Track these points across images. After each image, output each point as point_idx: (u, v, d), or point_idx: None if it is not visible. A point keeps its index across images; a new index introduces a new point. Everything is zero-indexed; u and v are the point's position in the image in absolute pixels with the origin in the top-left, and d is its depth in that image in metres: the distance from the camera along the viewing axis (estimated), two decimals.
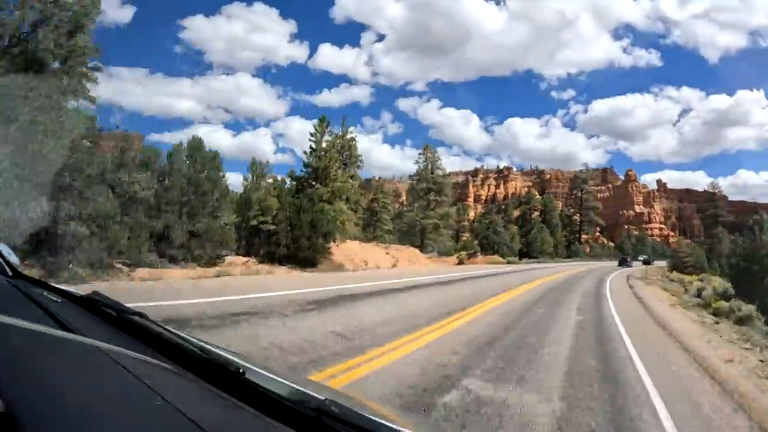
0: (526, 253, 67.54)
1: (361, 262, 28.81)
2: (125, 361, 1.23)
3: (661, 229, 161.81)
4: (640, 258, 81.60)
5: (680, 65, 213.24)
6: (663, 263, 68.91)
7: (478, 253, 59.84)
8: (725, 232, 67.24)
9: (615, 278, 34.57)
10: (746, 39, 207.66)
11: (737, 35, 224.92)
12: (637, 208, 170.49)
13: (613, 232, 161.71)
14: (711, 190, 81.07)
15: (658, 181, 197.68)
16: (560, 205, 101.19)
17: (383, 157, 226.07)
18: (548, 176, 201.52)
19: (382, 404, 2.94)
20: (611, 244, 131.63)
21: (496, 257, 60.47)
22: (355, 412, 1.09)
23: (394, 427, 1.09)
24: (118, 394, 1.09)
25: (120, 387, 1.13)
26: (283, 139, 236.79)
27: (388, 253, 36.62)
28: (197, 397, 1.19)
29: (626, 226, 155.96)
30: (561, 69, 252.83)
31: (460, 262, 47.87)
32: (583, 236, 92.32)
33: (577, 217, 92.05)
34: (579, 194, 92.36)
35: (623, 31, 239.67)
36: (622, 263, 64.62)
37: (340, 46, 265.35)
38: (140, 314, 1.62)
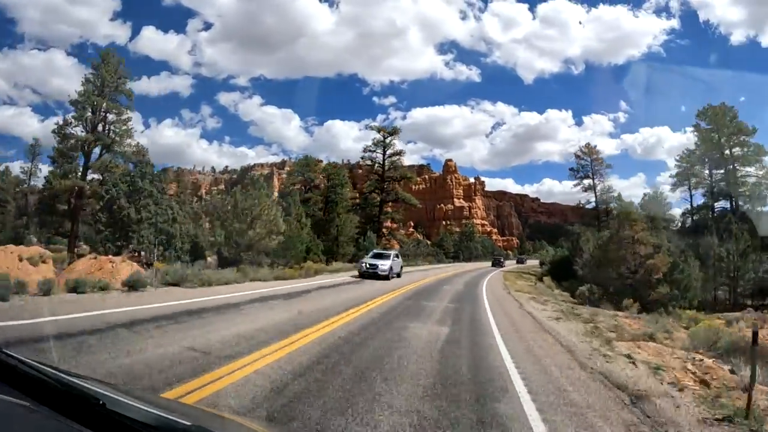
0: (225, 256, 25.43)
1: None
2: None
3: (483, 225, 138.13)
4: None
5: (497, 83, 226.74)
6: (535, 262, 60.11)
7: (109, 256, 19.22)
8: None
9: None
10: (560, 65, 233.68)
11: (553, 61, 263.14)
12: (457, 202, 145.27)
13: (429, 228, 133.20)
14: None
15: (477, 178, 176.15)
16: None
17: (200, 152, 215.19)
18: (361, 171, 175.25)
19: (252, 420, 2.86)
20: (428, 241, 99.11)
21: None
22: None
23: None
24: None
25: None
26: None
27: None
28: None
29: (444, 222, 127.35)
30: (385, 76, 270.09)
31: None
32: (390, 225, 54.04)
33: (376, 195, 53.69)
34: (380, 154, 54.10)
35: (448, 47, 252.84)
36: (496, 264, 57.45)
37: (165, 30, 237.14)
38: None
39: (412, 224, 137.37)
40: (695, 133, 40.46)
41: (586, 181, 45.35)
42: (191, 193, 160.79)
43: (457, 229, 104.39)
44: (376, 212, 52.23)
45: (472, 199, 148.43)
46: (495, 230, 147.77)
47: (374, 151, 55.00)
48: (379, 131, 55.59)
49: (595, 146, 47.04)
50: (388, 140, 54.60)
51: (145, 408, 1.20)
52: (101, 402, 1.16)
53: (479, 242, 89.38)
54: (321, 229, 44.98)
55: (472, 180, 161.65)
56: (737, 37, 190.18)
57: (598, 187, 44.63)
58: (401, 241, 52.40)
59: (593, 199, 44.92)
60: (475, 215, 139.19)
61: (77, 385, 1.28)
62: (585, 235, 32.36)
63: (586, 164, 45.56)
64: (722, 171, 41.49)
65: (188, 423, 1.12)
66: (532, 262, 76.25)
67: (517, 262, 73.92)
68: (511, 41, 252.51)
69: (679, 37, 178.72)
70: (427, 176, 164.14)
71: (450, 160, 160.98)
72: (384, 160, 54.29)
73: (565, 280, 30.15)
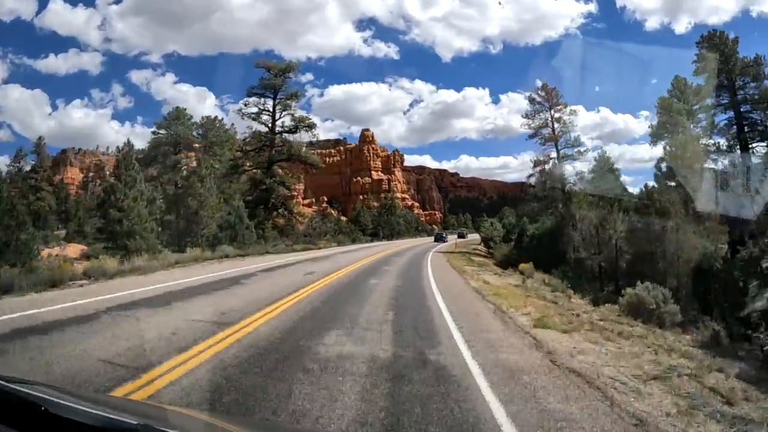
0: None
1: None
2: None
3: (404, 198, 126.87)
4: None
5: (416, 60, 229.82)
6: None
7: None
8: None
9: None
10: (478, 44, 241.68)
11: (471, 40, 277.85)
12: (375, 174, 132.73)
13: (346, 204, 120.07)
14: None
15: (395, 152, 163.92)
16: None
17: (112, 134, 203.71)
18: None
19: (200, 411, 2.78)
20: (344, 217, 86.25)
21: None
22: None
23: None
24: None
25: None
26: None
27: None
28: None
29: (362, 196, 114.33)
30: (302, 52, 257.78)
31: None
32: (284, 194, 39.53)
33: (264, 153, 39.27)
34: (269, 98, 39.26)
35: (367, 24, 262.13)
36: (439, 239, 54.67)
37: (74, 4, 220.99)
38: None
39: (326, 199, 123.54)
40: (697, 63, 30.01)
41: (546, 131, 33.84)
42: (95, 175, 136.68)
43: (376, 204, 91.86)
44: (262, 177, 37.62)
45: (391, 171, 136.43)
46: (417, 204, 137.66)
47: (262, 94, 39.95)
48: (268, 69, 40.46)
49: (554, 88, 35.45)
50: (279, 80, 39.78)
51: (91, 410, 1.14)
52: (43, 408, 1.10)
53: (401, 216, 77.49)
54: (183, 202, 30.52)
55: (390, 151, 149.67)
56: (652, 24, 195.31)
57: (562, 139, 33.35)
58: (299, 215, 38.17)
59: (553, 154, 33.70)
60: (395, 188, 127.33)
61: (17, 391, 1.21)
62: (577, 197, 20.65)
63: (542, 108, 34.04)
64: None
65: (135, 422, 1.07)
66: (473, 236, 68.68)
67: (458, 237, 69.76)
68: (431, 19, 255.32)
69: (595, 21, 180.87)
70: (342, 147, 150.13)
71: (367, 130, 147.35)
72: (274, 105, 39.54)
73: (552, 266, 18.34)
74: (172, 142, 40.61)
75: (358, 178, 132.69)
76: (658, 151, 29.23)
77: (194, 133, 40.36)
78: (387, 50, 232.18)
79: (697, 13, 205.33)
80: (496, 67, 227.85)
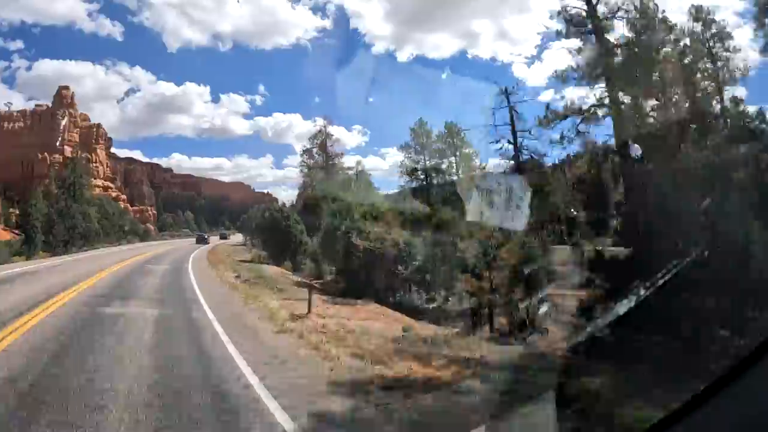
0: None
1: None
2: None
3: (108, 188, 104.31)
4: None
5: (140, 45, 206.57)
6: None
7: None
8: None
9: None
10: (208, 39, 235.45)
11: (202, 34, 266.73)
12: (70, 151, 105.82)
13: (26, 191, 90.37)
14: None
15: (100, 126, 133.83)
16: None
17: None
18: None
19: None
20: (16, 211, 65.15)
21: None
22: None
23: None
24: None
25: None
26: None
27: None
28: None
29: (47, 181, 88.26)
30: (16, 14, 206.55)
31: None
32: None
33: None
34: None
35: None
36: (201, 241, 56.90)
37: None
38: None
39: None
40: None
41: None
42: None
43: (60, 190, 70.45)
44: None
45: (92, 149, 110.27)
46: (124, 197, 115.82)
47: None
48: None
49: None
50: None
51: None
52: None
53: (95, 204, 60.31)
54: None
55: (94, 122, 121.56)
56: (378, 49, 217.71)
57: None
58: None
59: None
60: (96, 173, 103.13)
61: None
62: None
63: None
64: None
65: None
66: (235, 238, 67.61)
67: (221, 238, 70.68)
68: (165, 3, 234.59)
69: (327, 37, 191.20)
70: (27, 110, 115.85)
71: (66, 88, 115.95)
72: None
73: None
74: None
75: (46, 153, 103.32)
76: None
77: None
78: (112, 29, 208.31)
79: (421, 46, 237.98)
80: (221, 65, 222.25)
